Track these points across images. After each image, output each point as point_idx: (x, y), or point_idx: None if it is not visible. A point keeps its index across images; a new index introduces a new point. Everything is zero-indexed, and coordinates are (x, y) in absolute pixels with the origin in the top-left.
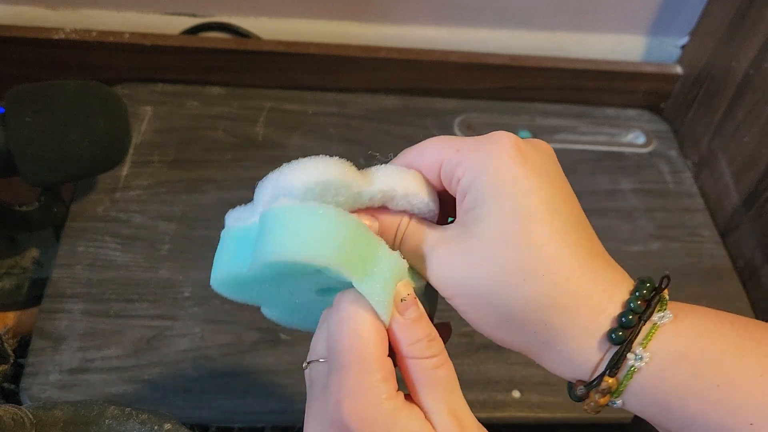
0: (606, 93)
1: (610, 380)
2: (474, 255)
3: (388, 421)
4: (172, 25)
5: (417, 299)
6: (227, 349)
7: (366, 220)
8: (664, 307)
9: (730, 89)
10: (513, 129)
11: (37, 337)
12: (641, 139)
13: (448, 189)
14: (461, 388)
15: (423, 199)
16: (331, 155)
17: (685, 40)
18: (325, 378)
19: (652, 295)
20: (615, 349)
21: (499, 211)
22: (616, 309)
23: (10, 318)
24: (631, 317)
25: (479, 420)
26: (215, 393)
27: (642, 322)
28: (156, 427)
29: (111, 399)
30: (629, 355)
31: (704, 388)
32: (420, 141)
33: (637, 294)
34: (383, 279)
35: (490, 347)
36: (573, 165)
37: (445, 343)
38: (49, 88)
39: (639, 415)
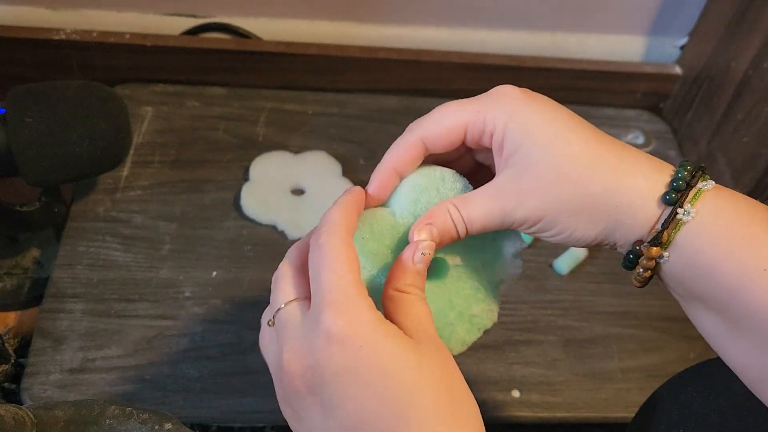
0: (605, 93)
1: (664, 234)
2: (542, 180)
3: (375, 327)
4: (172, 25)
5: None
6: (227, 349)
7: (423, 233)
8: (706, 178)
9: (729, 89)
10: None
11: (38, 337)
12: (640, 140)
13: (475, 145)
14: None
15: (458, 186)
16: (331, 155)
17: (684, 40)
18: (302, 313)
19: (695, 168)
20: (669, 209)
21: (540, 140)
22: (666, 179)
23: (11, 318)
24: (681, 182)
25: None
26: (216, 392)
27: (689, 187)
28: (157, 427)
29: (112, 398)
30: (679, 211)
31: (732, 238)
32: None
33: (681, 168)
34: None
35: (489, 347)
36: None
37: None
38: (50, 89)
39: (674, 277)
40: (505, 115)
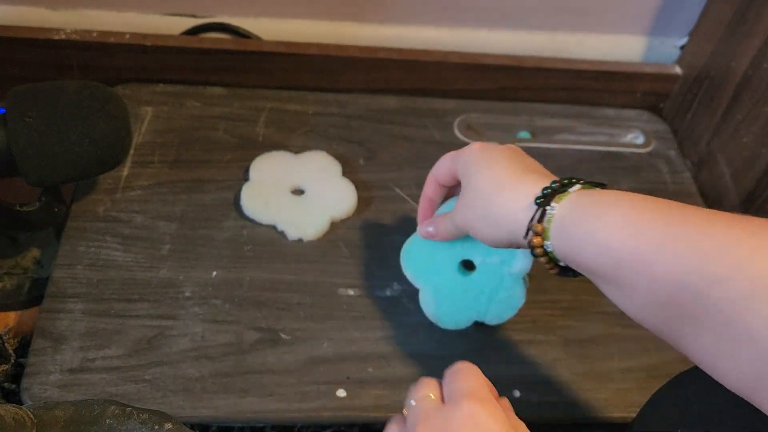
0: (605, 93)
1: (539, 226)
2: (467, 202)
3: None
4: (172, 25)
5: None
6: (228, 349)
7: (431, 227)
8: (573, 182)
9: (730, 89)
10: (512, 129)
11: (38, 337)
12: (641, 140)
13: (456, 182)
14: None
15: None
16: (331, 155)
17: (684, 40)
18: (438, 403)
19: (570, 182)
20: (540, 209)
21: (471, 177)
22: (539, 190)
23: (11, 318)
24: (547, 190)
25: None
26: (216, 392)
27: (555, 192)
28: (157, 427)
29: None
30: (547, 209)
31: (582, 214)
32: (419, 141)
33: (555, 181)
34: None
35: (490, 347)
36: (573, 165)
37: None
38: (50, 89)
39: (563, 257)
40: (461, 162)
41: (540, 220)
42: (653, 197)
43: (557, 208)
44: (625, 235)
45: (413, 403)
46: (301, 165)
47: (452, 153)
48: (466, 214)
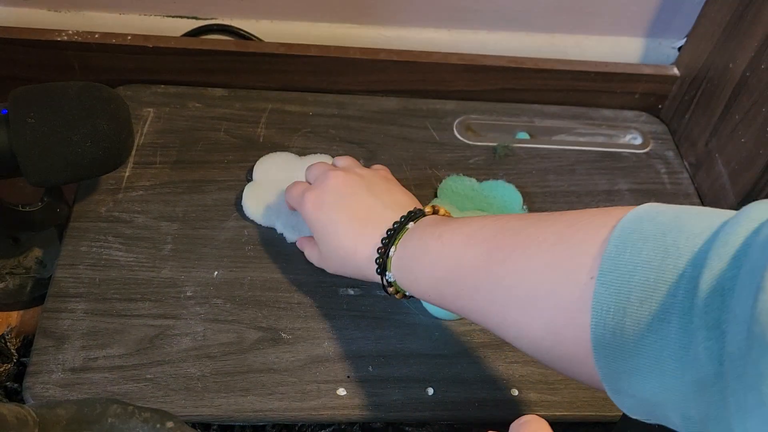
0: (604, 94)
1: (387, 263)
2: (325, 257)
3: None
4: (173, 27)
5: None
6: (229, 348)
7: (305, 249)
8: (412, 219)
9: (727, 91)
10: (511, 130)
11: (40, 336)
12: (638, 140)
13: None
14: (460, 387)
15: None
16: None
17: (682, 42)
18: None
19: (408, 218)
20: (379, 255)
21: (319, 242)
22: (380, 236)
23: (14, 317)
24: (384, 240)
25: (477, 419)
26: (217, 391)
27: (394, 237)
28: (158, 426)
29: (114, 397)
30: (391, 251)
31: (411, 256)
32: (419, 142)
33: (387, 233)
34: None
35: (488, 346)
36: (571, 166)
37: None
38: (52, 90)
39: (405, 288)
40: (306, 221)
41: (380, 263)
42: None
43: (393, 251)
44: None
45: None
46: (305, 167)
47: (296, 195)
48: (327, 265)
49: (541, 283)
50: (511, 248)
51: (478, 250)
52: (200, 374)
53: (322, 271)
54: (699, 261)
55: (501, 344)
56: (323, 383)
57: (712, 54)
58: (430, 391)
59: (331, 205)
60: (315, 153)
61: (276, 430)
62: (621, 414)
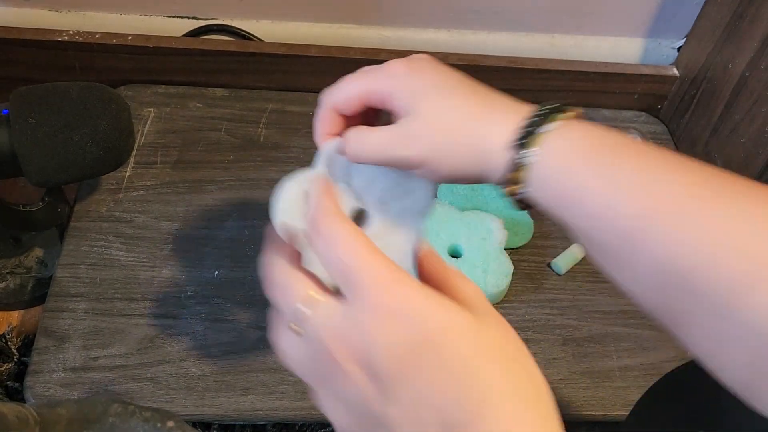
0: (603, 95)
1: (513, 175)
2: (424, 129)
3: (426, 296)
4: (174, 27)
5: None
6: (229, 348)
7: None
8: (555, 118)
9: (727, 91)
10: None
11: (41, 336)
12: (638, 140)
13: (382, 107)
14: None
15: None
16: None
17: (681, 42)
18: (335, 307)
19: (549, 111)
20: (518, 152)
21: (426, 96)
22: (517, 125)
23: (15, 317)
24: (527, 129)
25: None
26: (217, 391)
27: (535, 127)
28: (159, 425)
29: (114, 397)
30: (522, 153)
31: (577, 172)
32: None
33: (534, 115)
34: None
35: None
36: None
37: None
38: (53, 90)
39: (539, 202)
40: (401, 87)
41: (514, 168)
42: (653, 148)
43: (539, 153)
44: (632, 200)
45: (302, 309)
46: None
47: (366, 73)
48: (419, 144)
49: None
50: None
51: None
52: (201, 374)
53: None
54: None
55: None
56: None
57: (711, 54)
58: None
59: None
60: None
61: (276, 429)
62: (620, 413)
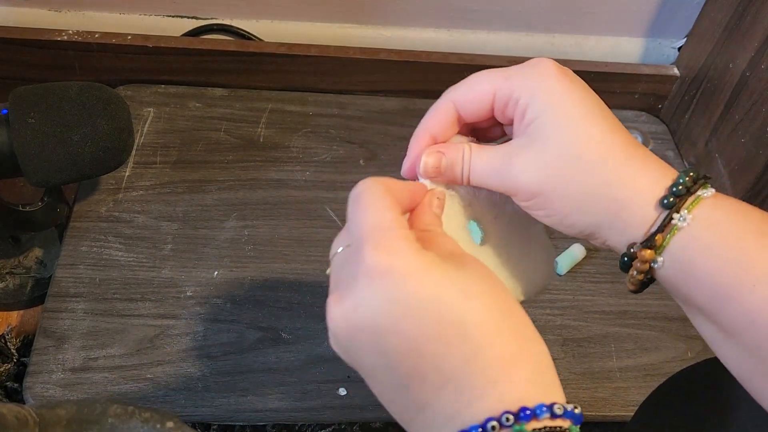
0: (604, 94)
1: (658, 237)
2: (548, 155)
3: (416, 255)
4: (174, 27)
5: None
6: (229, 348)
7: (432, 156)
8: (707, 186)
9: (727, 91)
10: None
11: (41, 336)
12: (639, 140)
13: (500, 112)
14: None
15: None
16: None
17: (682, 42)
18: (347, 257)
19: (697, 176)
20: (666, 212)
21: (560, 116)
22: (667, 183)
23: (14, 317)
24: (681, 187)
25: None
26: (217, 391)
27: (689, 193)
28: (158, 426)
29: (114, 397)
30: (675, 216)
31: (724, 249)
32: None
33: (684, 173)
34: None
35: None
36: None
37: None
38: (53, 90)
39: (669, 283)
40: (533, 83)
41: (661, 229)
42: None
43: (690, 221)
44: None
45: (331, 259)
46: None
47: (497, 70)
48: (544, 178)
49: None
50: None
51: None
52: (200, 374)
53: (323, 270)
54: None
55: None
56: (323, 383)
57: (712, 54)
58: None
59: None
60: (313, 155)
61: (276, 430)
62: (620, 414)
